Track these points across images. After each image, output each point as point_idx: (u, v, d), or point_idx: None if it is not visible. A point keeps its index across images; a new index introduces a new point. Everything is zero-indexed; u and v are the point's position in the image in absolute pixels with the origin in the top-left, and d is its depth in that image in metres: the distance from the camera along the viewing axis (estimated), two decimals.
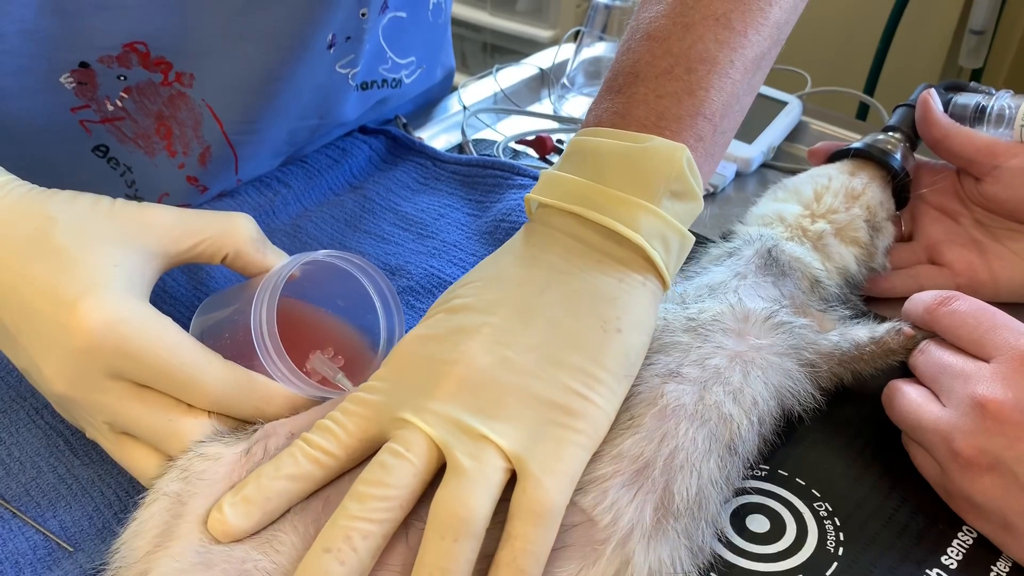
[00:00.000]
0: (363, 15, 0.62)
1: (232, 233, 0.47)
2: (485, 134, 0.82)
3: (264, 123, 0.64)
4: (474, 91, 0.88)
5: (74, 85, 0.56)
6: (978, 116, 0.62)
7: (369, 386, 0.41)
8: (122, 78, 0.57)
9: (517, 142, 0.79)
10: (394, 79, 0.71)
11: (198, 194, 0.66)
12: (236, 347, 0.43)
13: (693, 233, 0.46)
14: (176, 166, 0.63)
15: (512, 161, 0.71)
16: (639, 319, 0.43)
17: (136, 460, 0.43)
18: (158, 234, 0.45)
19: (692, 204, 0.45)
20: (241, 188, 0.68)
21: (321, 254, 0.46)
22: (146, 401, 0.41)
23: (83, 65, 0.55)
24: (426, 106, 0.83)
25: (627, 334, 0.42)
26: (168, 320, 0.42)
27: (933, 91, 0.63)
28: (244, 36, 0.58)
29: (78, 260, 0.42)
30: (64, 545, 0.44)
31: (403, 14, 0.67)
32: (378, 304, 0.49)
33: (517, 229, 0.63)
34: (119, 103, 0.58)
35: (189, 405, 0.42)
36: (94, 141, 0.60)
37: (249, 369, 0.43)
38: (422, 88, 0.76)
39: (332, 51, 0.62)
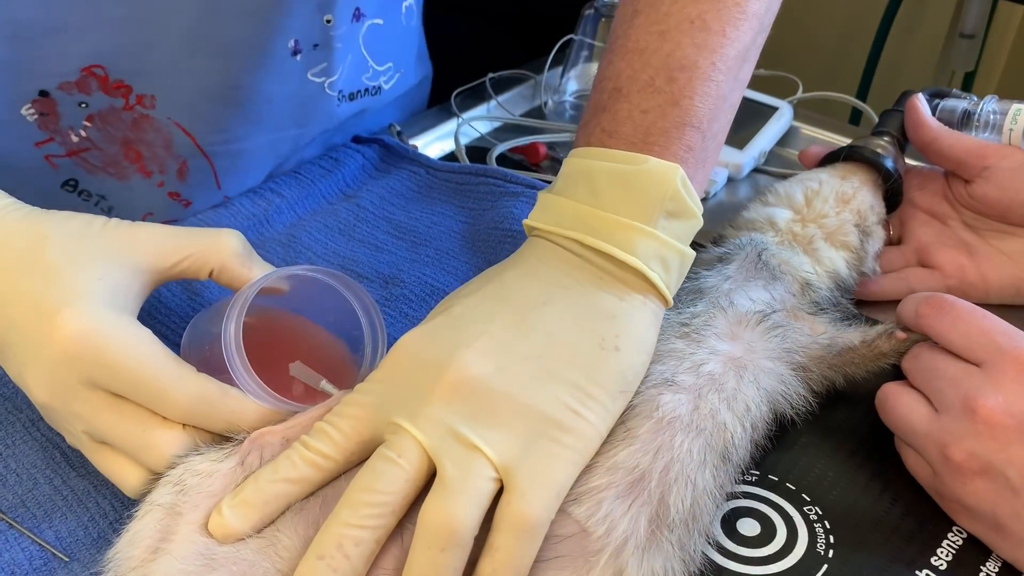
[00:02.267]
0: (328, 22, 0.62)
1: (218, 249, 0.47)
2: (478, 142, 0.83)
3: (237, 132, 0.64)
4: (467, 99, 0.88)
5: (36, 117, 0.56)
6: (965, 121, 0.63)
7: (365, 388, 0.41)
8: (83, 105, 0.57)
9: (510, 150, 0.80)
10: (374, 87, 0.71)
11: (182, 208, 0.66)
12: (216, 360, 0.44)
13: None
14: (155, 185, 0.63)
15: (505, 169, 0.71)
16: (638, 337, 0.43)
17: (115, 469, 0.43)
18: (145, 251, 0.46)
19: (690, 222, 0.46)
20: (235, 198, 0.68)
21: (300, 268, 0.47)
22: (121, 411, 0.42)
23: (43, 94, 0.55)
24: (406, 111, 0.83)
25: (625, 352, 0.42)
26: (146, 332, 0.43)
27: (921, 95, 0.64)
28: (201, 49, 0.58)
29: (64, 274, 0.43)
30: (60, 555, 0.44)
31: (380, 21, 0.67)
32: (362, 318, 0.49)
33: (510, 237, 0.64)
34: (83, 133, 0.58)
35: (164, 417, 0.42)
36: (62, 176, 0.60)
37: (229, 382, 0.43)
38: (399, 92, 0.75)
39: (299, 58, 0.62)
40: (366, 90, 0.70)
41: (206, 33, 0.57)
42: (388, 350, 0.43)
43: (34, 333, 0.41)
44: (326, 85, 0.66)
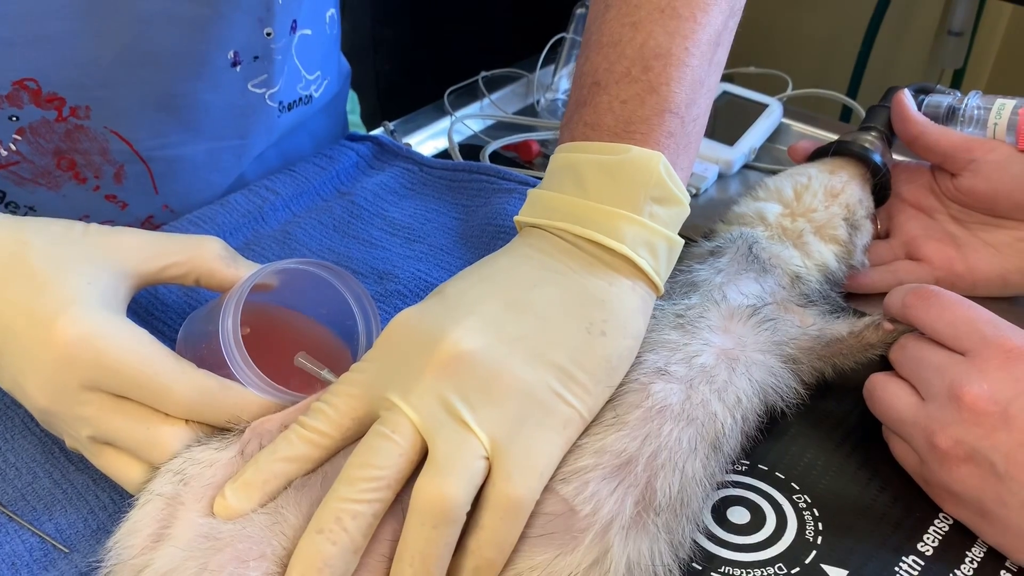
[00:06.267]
0: (268, 35, 0.62)
1: (201, 255, 0.48)
2: (471, 140, 0.83)
3: (175, 139, 0.63)
4: (460, 97, 0.89)
5: None
6: (950, 116, 0.64)
7: (359, 367, 0.42)
8: (14, 119, 0.56)
9: (503, 147, 0.80)
10: (306, 96, 0.71)
11: (119, 210, 0.65)
12: (212, 356, 0.44)
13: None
14: (90, 189, 0.62)
15: (498, 166, 0.72)
16: (625, 323, 0.44)
17: (118, 468, 0.44)
18: (128, 255, 0.46)
19: (676, 209, 0.46)
20: (230, 196, 0.68)
21: (291, 262, 0.47)
22: (124, 411, 0.42)
23: None
24: (332, 116, 0.81)
25: (611, 337, 0.43)
26: (143, 332, 0.43)
27: (907, 91, 0.64)
28: (139, 62, 0.57)
29: (53, 280, 0.43)
30: (60, 547, 0.45)
31: (308, 31, 0.67)
32: (355, 309, 0.49)
33: (504, 233, 0.64)
34: (13, 147, 0.57)
35: (166, 414, 0.43)
36: None
37: (227, 377, 0.44)
38: (328, 98, 0.76)
39: (239, 69, 0.62)
40: (300, 99, 0.70)
41: (143, 46, 0.56)
42: None
43: (29, 340, 0.42)
44: (267, 96, 0.65)
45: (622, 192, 0.45)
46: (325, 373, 0.46)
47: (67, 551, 0.45)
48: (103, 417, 0.42)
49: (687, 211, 0.47)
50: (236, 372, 0.44)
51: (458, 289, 0.44)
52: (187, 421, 0.43)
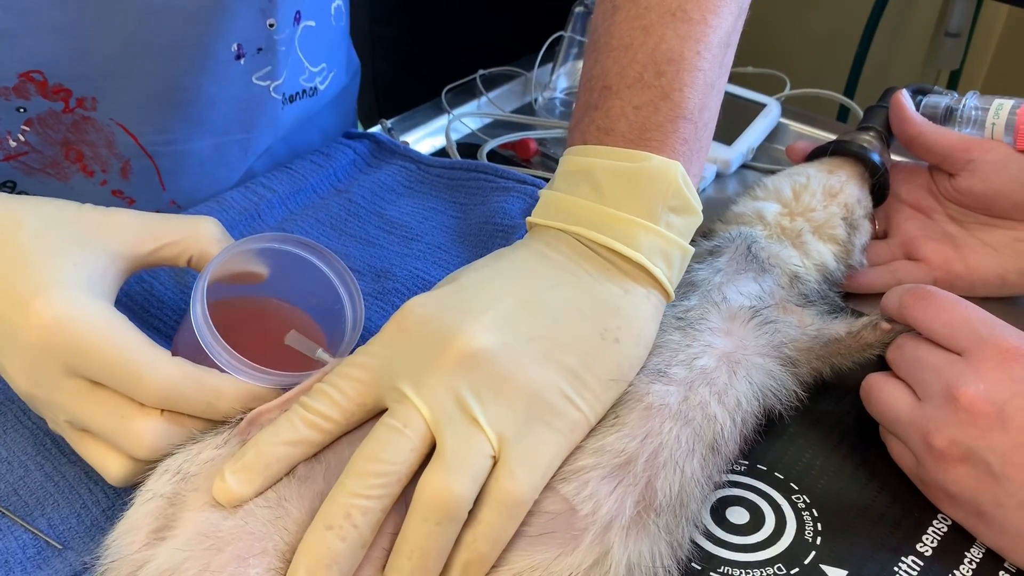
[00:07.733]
0: (271, 26, 0.61)
1: (196, 236, 0.47)
2: (469, 138, 0.83)
3: (181, 134, 0.62)
4: (458, 95, 0.89)
5: None
6: (947, 117, 0.64)
7: (368, 351, 0.41)
8: (22, 110, 0.56)
9: (501, 146, 0.80)
10: (311, 88, 0.70)
11: (126, 206, 0.62)
12: (197, 345, 0.44)
13: None
14: (98, 183, 0.62)
15: (496, 164, 0.71)
16: (639, 331, 0.44)
17: (97, 457, 0.43)
18: (122, 237, 0.46)
19: (691, 218, 0.46)
20: (226, 193, 0.68)
21: (265, 239, 0.46)
22: (100, 399, 0.42)
23: None
24: (341, 111, 0.81)
25: (624, 345, 0.43)
26: (121, 318, 0.43)
27: (905, 91, 0.65)
28: (142, 54, 0.56)
29: (38, 261, 0.43)
30: (53, 543, 0.44)
31: (312, 23, 0.67)
32: (341, 291, 0.48)
33: (501, 232, 0.64)
34: (21, 137, 0.57)
35: (141, 404, 0.42)
36: None
37: (212, 367, 0.43)
38: (335, 91, 0.75)
39: (243, 62, 0.61)
40: (303, 91, 0.70)
41: (147, 38, 0.56)
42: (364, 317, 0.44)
43: (9, 322, 0.42)
44: (271, 88, 0.65)
45: (640, 200, 0.45)
46: (319, 352, 0.45)
47: (60, 548, 0.44)
48: (78, 403, 0.42)
49: (700, 219, 0.47)
50: (208, 349, 0.43)
51: (473, 280, 0.44)
52: (164, 412, 0.42)
